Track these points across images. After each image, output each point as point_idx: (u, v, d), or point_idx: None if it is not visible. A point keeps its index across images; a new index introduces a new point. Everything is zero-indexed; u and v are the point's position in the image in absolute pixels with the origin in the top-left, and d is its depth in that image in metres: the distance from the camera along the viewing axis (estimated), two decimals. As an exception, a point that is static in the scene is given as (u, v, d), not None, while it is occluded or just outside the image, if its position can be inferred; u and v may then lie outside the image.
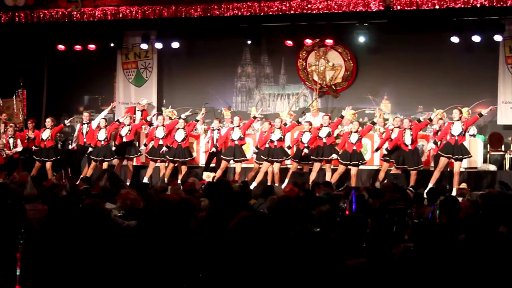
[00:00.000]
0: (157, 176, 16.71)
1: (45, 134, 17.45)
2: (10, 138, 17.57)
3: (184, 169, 16.77)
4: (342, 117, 16.40)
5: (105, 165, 16.96)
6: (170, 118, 17.71)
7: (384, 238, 5.59)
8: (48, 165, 17.35)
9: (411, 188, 14.42)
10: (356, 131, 15.81)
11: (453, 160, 15.09)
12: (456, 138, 15.03)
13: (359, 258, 5.62)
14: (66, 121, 18.64)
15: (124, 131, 17.18)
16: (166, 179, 15.36)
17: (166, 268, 5.11)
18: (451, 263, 4.99)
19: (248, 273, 4.17)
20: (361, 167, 16.07)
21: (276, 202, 7.42)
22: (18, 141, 17.64)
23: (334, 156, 15.90)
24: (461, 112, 15.31)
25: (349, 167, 15.74)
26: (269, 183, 15.37)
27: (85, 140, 17.60)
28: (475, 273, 5.01)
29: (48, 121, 17.62)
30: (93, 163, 17.06)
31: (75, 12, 17.98)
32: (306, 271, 4.75)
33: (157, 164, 17.01)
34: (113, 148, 17.17)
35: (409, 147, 15.45)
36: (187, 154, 16.70)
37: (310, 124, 16.43)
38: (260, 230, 4.45)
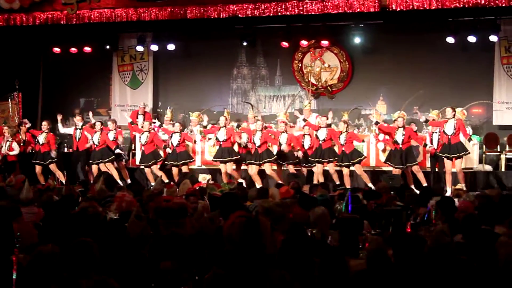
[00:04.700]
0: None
1: (41, 138, 17.31)
2: (7, 141, 17.55)
3: (183, 169, 16.62)
4: (330, 124, 16.22)
5: (100, 167, 16.92)
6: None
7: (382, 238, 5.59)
8: (39, 169, 17.22)
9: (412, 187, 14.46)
10: (345, 132, 15.74)
11: (449, 159, 15.12)
12: (449, 137, 15.06)
13: (356, 259, 5.62)
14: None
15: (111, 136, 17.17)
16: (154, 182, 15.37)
17: (162, 271, 5.11)
18: (448, 263, 4.99)
19: (243, 275, 4.16)
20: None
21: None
22: (15, 144, 17.61)
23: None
24: (454, 111, 15.30)
25: (342, 168, 15.71)
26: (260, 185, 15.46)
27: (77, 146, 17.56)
28: (472, 274, 5.01)
29: (45, 124, 17.47)
30: (94, 167, 17.05)
31: (70, 15, 17.95)
32: (303, 272, 4.75)
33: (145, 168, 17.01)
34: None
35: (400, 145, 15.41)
36: (185, 157, 16.63)
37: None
38: (254, 231, 4.44)
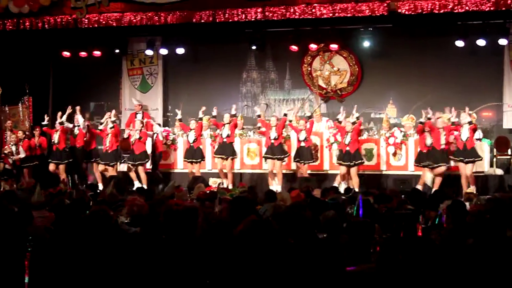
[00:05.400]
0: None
1: (56, 136, 17.54)
2: (13, 145, 17.64)
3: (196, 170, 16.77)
4: (340, 122, 16.30)
5: (111, 171, 17.01)
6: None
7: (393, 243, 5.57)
8: (62, 168, 17.40)
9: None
10: (351, 132, 15.80)
11: (464, 163, 15.26)
12: (465, 142, 15.18)
13: (366, 264, 5.61)
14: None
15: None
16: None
17: (172, 275, 5.11)
18: (459, 267, 4.98)
19: (254, 278, 4.16)
20: (367, 171, 16.03)
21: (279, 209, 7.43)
22: (21, 148, 17.70)
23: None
24: (470, 116, 15.43)
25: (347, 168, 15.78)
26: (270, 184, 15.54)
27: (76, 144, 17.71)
28: (483, 277, 5.00)
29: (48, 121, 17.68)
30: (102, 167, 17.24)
31: (80, 19, 18.00)
32: (310, 276, 4.75)
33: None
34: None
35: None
36: (201, 155, 16.87)
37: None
38: (266, 236, 4.44)
